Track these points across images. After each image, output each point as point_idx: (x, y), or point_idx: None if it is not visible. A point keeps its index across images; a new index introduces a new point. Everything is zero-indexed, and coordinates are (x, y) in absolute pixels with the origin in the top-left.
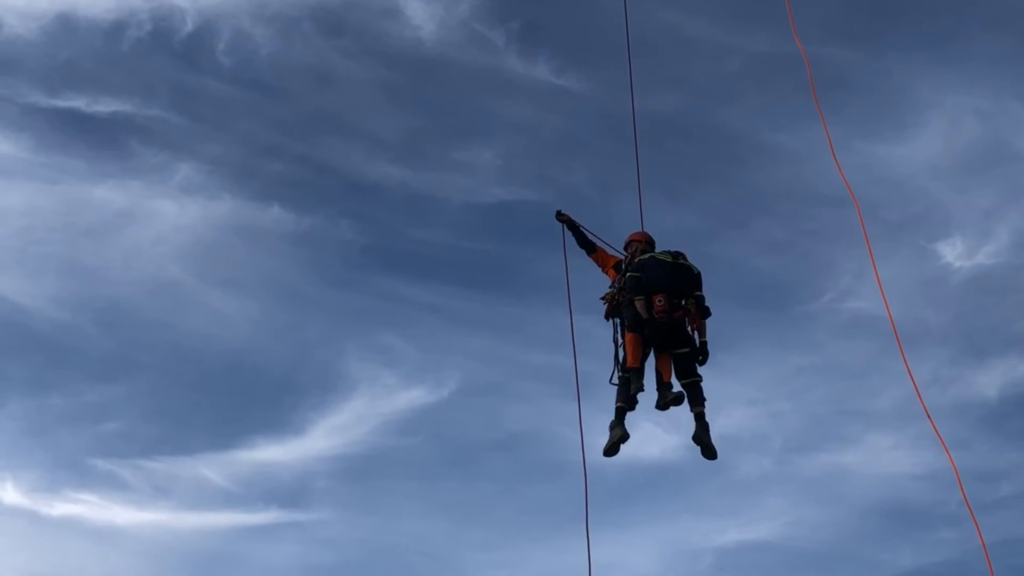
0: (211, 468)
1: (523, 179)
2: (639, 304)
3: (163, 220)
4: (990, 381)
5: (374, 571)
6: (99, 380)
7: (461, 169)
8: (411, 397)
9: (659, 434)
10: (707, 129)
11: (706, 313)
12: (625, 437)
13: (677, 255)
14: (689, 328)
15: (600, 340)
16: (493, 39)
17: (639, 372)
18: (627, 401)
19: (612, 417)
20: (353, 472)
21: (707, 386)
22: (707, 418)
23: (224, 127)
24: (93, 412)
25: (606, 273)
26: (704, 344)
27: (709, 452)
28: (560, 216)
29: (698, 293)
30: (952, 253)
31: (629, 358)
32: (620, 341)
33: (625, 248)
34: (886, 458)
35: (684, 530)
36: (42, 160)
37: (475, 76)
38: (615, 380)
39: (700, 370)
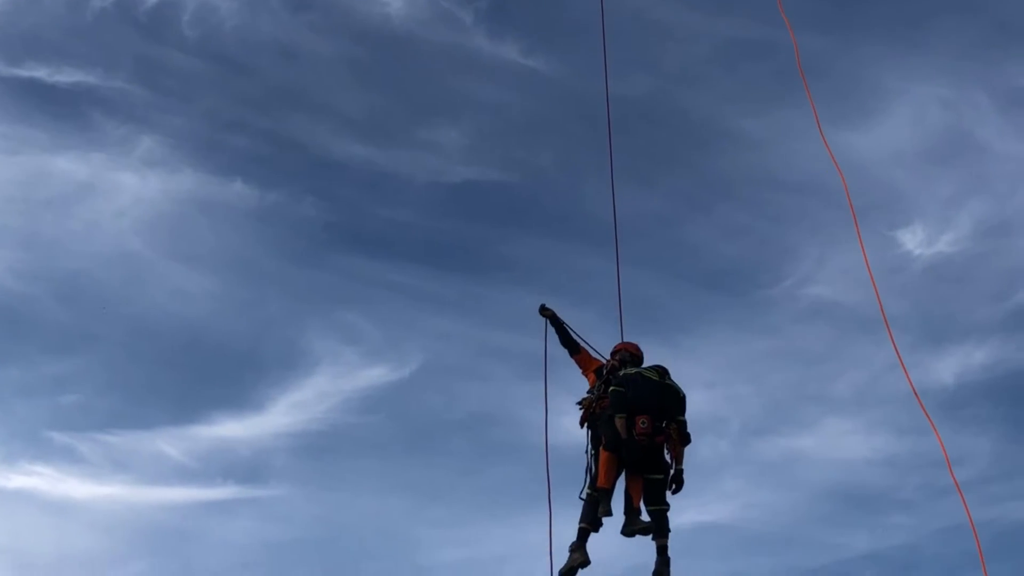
0: (169, 443)
1: (489, 160)
2: (620, 423)
3: (124, 193)
4: (947, 368)
5: (333, 548)
6: (57, 353)
7: (427, 148)
8: (373, 375)
9: None
10: (674, 114)
11: (687, 440)
12: (585, 563)
13: (663, 373)
14: (666, 453)
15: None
16: (461, 17)
17: (609, 494)
18: (592, 523)
19: (582, 499)
20: (313, 449)
21: (667, 365)
22: (669, 552)
23: (188, 100)
24: (51, 385)
25: (585, 376)
26: (680, 472)
27: None
28: (544, 311)
29: (681, 418)
30: (913, 241)
31: (601, 477)
32: (592, 452)
33: (612, 355)
34: (842, 443)
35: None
36: (2, 130)
37: (442, 54)
38: (583, 495)
39: (670, 498)
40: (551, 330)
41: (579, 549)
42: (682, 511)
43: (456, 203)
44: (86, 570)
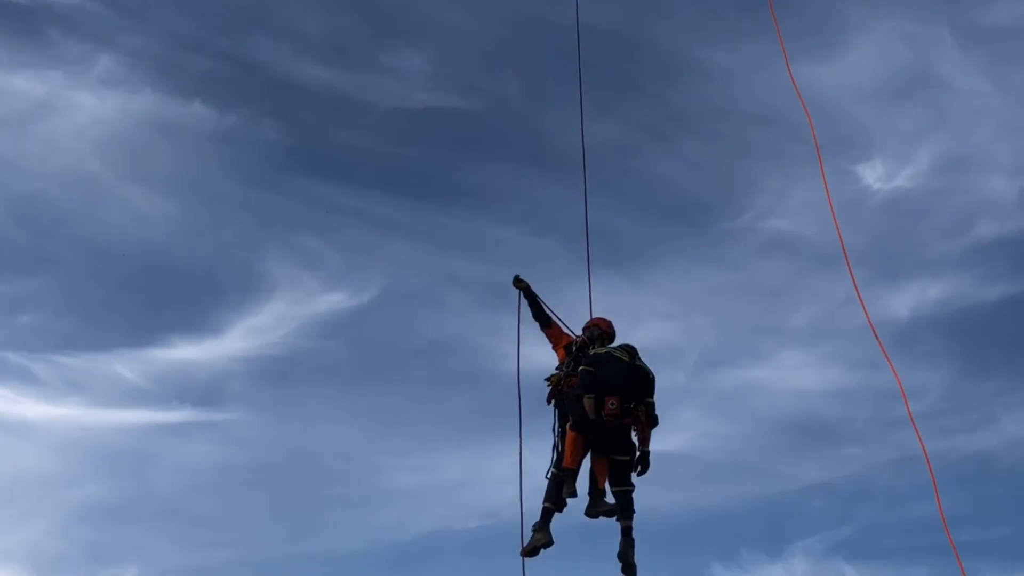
0: (125, 365)
1: (453, 86)
2: (588, 403)
3: (82, 113)
4: (902, 303)
5: (290, 474)
6: (12, 273)
7: (390, 72)
8: (331, 301)
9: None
10: (641, 43)
11: (654, 422)
12: (549, 543)
13: (633, 353)
14: (633, 434)
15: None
16: None
17: (574, 475)
18: (556, 503)
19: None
20: (270, 374)
21: (625, 300)
22: (633, 533)
23: (147, 19)
24: (6, 305)
25: (556, 351)
26: (646, 454)
27: (630, 570)
28: (517, 283)
29: (650, 400)
30: (872, 175)
31: (567, 458)
32: (559, 430)
33: (584, 330)
34: (797, 375)
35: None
36: None
37: None
38: (548, 475)
39: (635, 479)
40: (524, 302)
41: (542, 529)
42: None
43: (419, 129)
44: (41, 491)
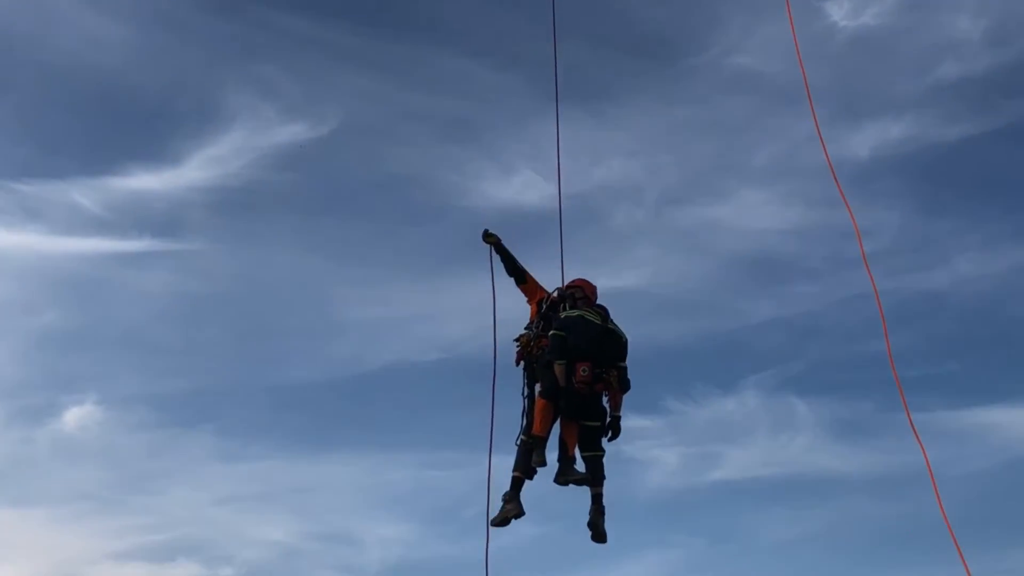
0: (83, 193)
1: None
2: (559, 369)
3: None
4: (863, 142)
5: (248, 304)
6: None
7: None
8: (291, 132)
9: (538, 182)
10: None
11: (626, 387)
12: (520, 514)
13: (605, 315)
14: (604, 400)
15: None
16: None
17: (544, 442)
18: (526, 472)
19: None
20: (229, 204)
21: (588, 136)
22: (604, 500)
23: None
24: None
25: (529, 305)
26: (617, 419)
27: (600, 537)
28: (487, 237)
29: (622, 364)
30: (838, 12)
31: (536, 425)
32: (528, 394)
33: (567, 288)
34: (756, 213)
35: (558, 274)
36: None
37: None
38: (518, 442)
39: (605, 444)
40: (496, 257)
41: (513, 500)
42: (595, 277)
43: None
44: (0, 318)
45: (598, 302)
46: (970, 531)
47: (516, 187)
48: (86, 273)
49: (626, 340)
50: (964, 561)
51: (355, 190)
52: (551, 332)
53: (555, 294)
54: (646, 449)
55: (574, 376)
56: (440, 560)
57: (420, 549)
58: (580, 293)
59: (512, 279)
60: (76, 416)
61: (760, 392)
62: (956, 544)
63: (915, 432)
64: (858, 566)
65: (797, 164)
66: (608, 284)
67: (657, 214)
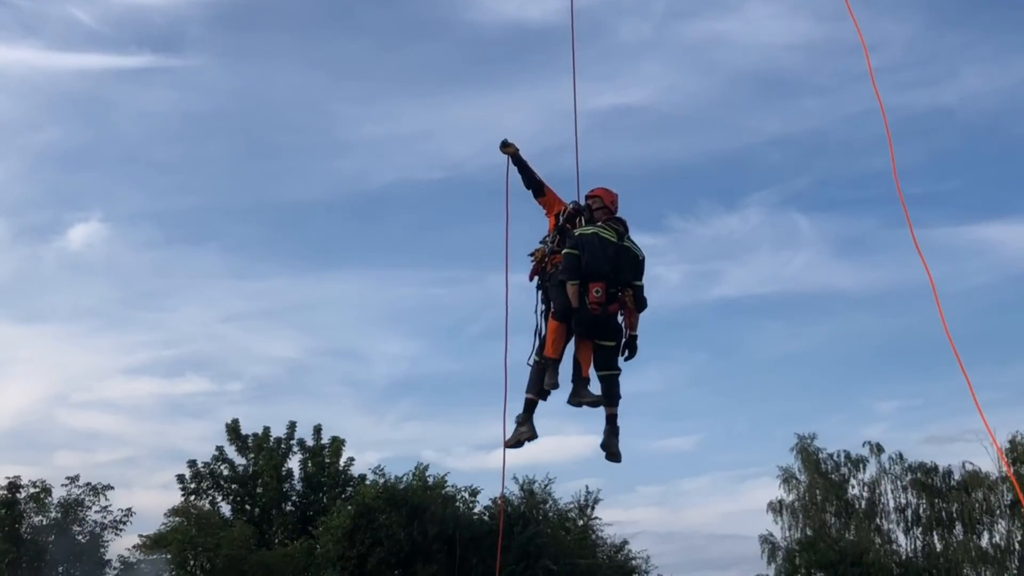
0: (80, 7)
1: None
2: (571, 290)
3: None
4: None
5: (250, 121)
6: None
7: None
8: None
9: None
10: None
11: (642, 306)
12: (532, 437)
13: (621, 233)
14: (620, 319)
15: None
16: None
17: (556, 365)
18: (539, 394)
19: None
20: (229, 19)
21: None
22: (618, 421)
23: None
24: None
25: (548, 218)
26: (634, 338)
27: (614, 457)
28: (505, 147)
29: (638, 283)
30: None
31: (548, 347)
32: (543, 311)
33: (587, 198)
34: (764, 27)
35: (562, 92)
36: None
37: None
38: (531, 362)
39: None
40: (513, 169)
41: (526, 422)
42: (599, 93)
43: None
44: (1, 135)
45: (618, 215)
46: (970, 345)
47: (519, 1)
48: (86, 90)
49: (643, 258)
50: (965, 373)
51: (358, 4)
52: (564, 251)
53: (571, 206)
54: (648, 267)
55: (587, 297)
56: (445, 376)
57: (424, 364)
58: (599, 203)
59: (530, 192)
60: (82, 234)
61: (763, 209)
62: (957, 357)
63: (918, 248)
64: (860, 380)
65: None
66: (614, 101)
67: (664, 28)
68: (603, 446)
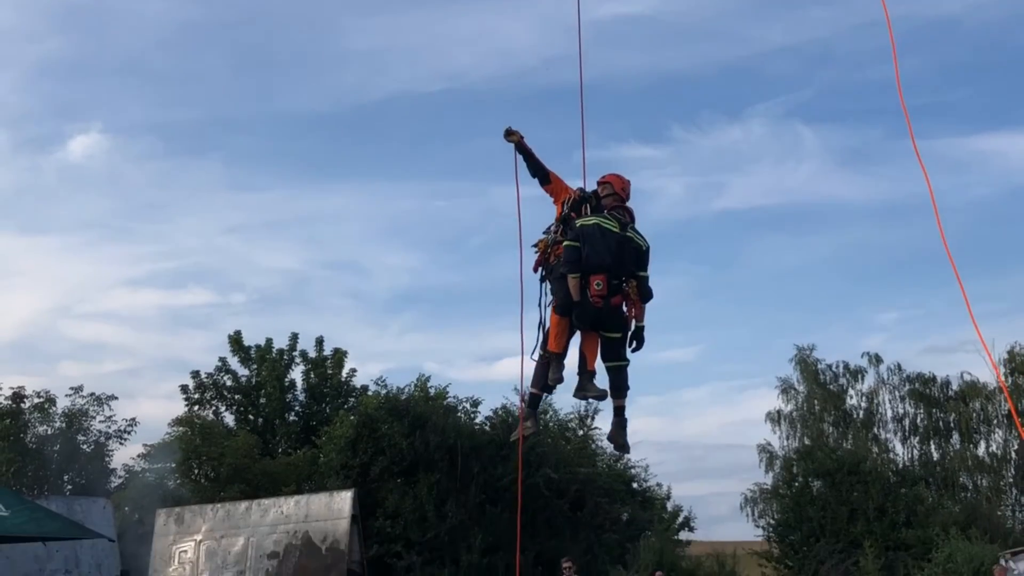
0: None
1: None
2: (572, 283)
3: None
4: None
5: (250, 31)
6: None
7: None
8: None
9: None
10: None
11: (648, 296)
12: (536, 431)
13: (625, 224)
14: (625, 310)
15: None
16: None
17: (560, 359)
18: (543, 388)
19: None
20: None
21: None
22: (626, 413)
23: None
24: None
25: (556, 206)
26: (640, 329)
27: (622, 449)
28: (509, 135)
29: (642, 274)
30: None
31: (551, 341)
32: (548, 303)
33: (598, 184)
34: None
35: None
36: None
37: None
38: (535, 356)
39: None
40: (519, 157)
41: (531, 417)
42: (601, 2)
43: None
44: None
45: (628, 205)
46: (969, 257)
47: None
48: None
49: (647, 248)
50: (961, 284)
51: None
52: (565, 243)
53: (577, 192)
54: (651, 179)
55: (588, 290)
56: (446, 288)
57: (426, 277)
58: (609, 190)
59: (536, 180)
60: (82, 145)
61: (767, 120)
62: (955, 268)
63: (919, 159)
64: (860, 291)
65: None
66: (617, 11)
67: None
68: (610, 438)
